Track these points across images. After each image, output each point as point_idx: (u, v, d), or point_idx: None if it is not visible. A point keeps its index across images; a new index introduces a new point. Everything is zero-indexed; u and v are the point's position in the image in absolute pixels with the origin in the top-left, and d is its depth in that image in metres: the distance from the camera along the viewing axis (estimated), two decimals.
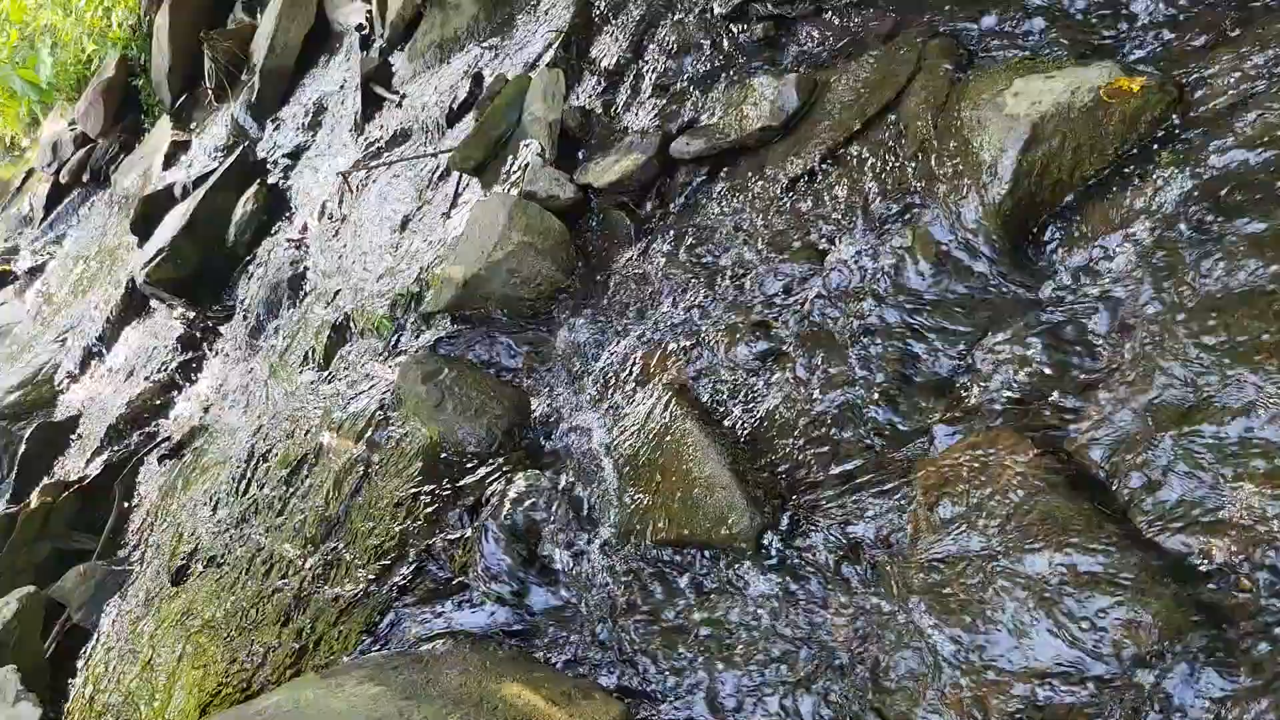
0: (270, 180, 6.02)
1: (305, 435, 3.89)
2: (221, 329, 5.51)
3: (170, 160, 7.23)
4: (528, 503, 2.75)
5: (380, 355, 3.85)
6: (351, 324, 4.22)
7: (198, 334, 5.67)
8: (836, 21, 3.08)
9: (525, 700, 2.19)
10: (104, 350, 6.37)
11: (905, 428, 2.18)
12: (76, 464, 5.45)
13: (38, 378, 6.63)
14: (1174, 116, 2.11)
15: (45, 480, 5.40)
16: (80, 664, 4.15)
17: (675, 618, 2.29)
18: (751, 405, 2.48)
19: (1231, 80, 2.05)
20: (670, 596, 2.34)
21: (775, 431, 2.39)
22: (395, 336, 3.84)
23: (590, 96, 3.79)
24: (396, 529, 3.05)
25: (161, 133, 7.65)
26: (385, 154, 5.03)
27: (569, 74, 3.92)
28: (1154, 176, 2.06)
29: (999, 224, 2.22)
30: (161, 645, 3.73)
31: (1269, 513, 1.57)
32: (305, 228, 5.25)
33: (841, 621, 2.01)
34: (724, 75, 3.31)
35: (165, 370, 5.60)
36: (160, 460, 4.91)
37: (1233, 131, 1.98)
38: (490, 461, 2.98)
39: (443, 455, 3.11)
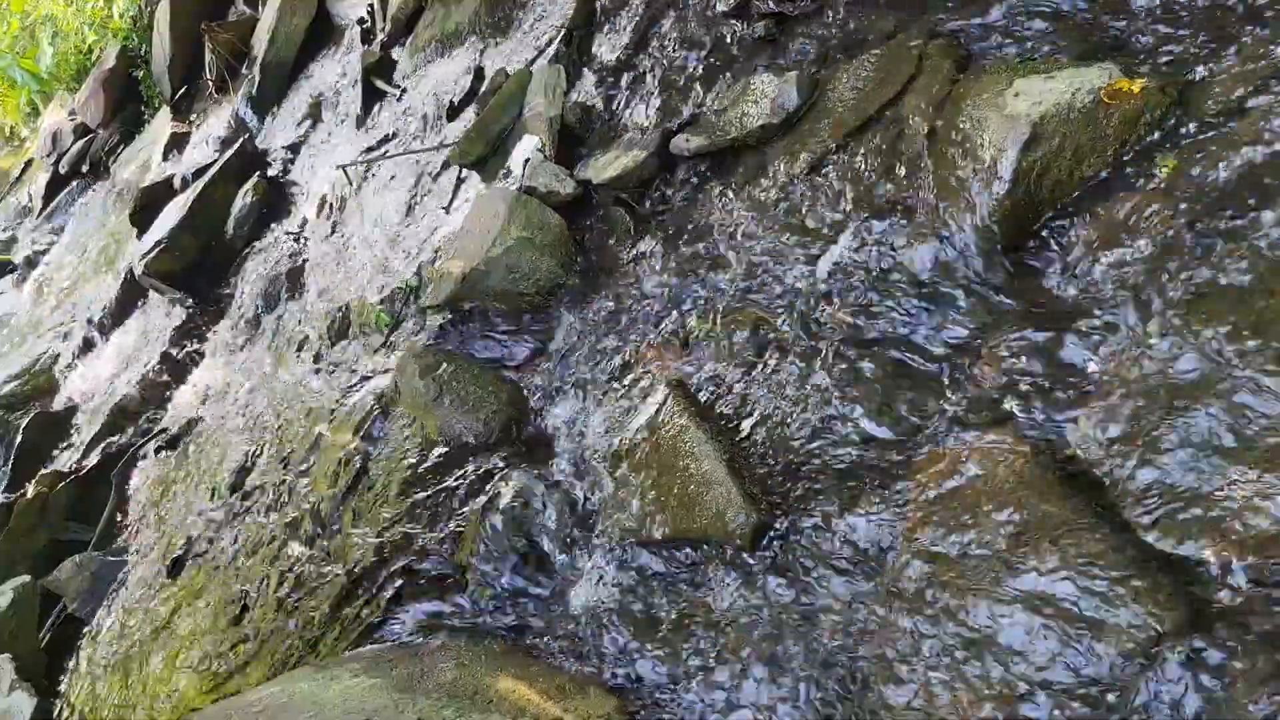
0: (270, 173, 6.02)
1: (303, 428, 3.89)
2: (220, 321, 5.50)
3: (170, 152, 7.23)
4: (524, 497, 2.75)
5: (378, 349, 3.85)
6: (350, 317, 4.22)
7: (196, 326, 5.67)
8: (838, 20, 3.07)
9: (520, 694, 2.19)
10: (102, 341, 6.37)
11: (902, 426, 2.18)
12: (73, 454, 5.45)
13: (35, 367, 6.63)
14: (1174, 118, 2.11)
15: (42, 470, 5.40)
16: (76, 654, 4.15)
17: (670, 613, 2.30)
18: (749, 402, 2.48)
19: (1232, 82, 2.06)
20: (665, 592, 2.34)
21: (773, 428, 2.39)
22: (393, 330, 3.84)
23: (591, 92, 3.79)
24: (393, 523, 3.05)
25: (161, 124, 7.65)
26: (385, 148, 5.03)
27: (570, 70, 3.92)
28: (1153, 178, 2.06)
29: (998, 223, 2.22)
30: (158, 637, 3.73)
31: (1264, 512, 1.57)
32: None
33: (837, 619, 2.01)
34: (725, 72, 3.31)
35: (163, 361, 5.60)
36: (157, 451, 4.91)
37: (1233, 134, 1.99)
38: (487, 456, 2.99)
39: (440, 449, 3.11)
